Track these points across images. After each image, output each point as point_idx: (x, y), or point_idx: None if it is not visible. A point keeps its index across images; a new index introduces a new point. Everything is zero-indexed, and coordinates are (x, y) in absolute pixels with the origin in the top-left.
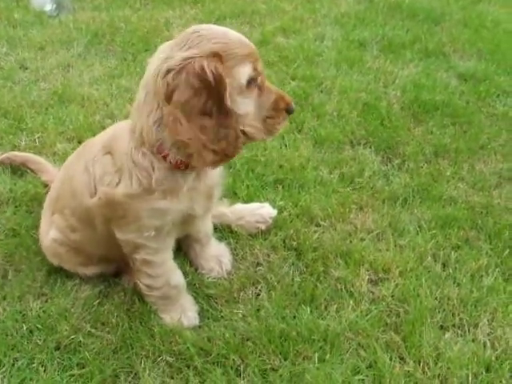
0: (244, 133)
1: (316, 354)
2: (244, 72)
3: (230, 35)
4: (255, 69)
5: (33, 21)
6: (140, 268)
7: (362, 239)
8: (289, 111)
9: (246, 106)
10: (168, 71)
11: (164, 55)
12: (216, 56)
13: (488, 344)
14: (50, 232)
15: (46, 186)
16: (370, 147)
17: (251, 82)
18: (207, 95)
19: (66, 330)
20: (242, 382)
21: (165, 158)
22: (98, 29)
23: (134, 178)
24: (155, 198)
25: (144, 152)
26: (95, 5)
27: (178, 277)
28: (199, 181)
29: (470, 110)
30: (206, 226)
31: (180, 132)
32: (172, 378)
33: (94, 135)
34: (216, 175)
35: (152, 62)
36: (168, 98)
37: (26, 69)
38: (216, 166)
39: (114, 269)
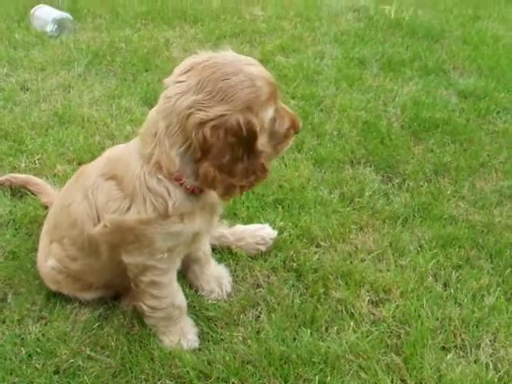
0: None
1: (317, 377)
2: (267, 115)
3: (256, 79)
4: (276, 109)
5: (34, 41)
6: (145, 289)
7: (363, 260)
8: (296, 133)
9: (262, 140)
10: (203, 123)
11: (193, 97)
12: (248, 109)
13: (490, 365)
14: (48, 260)
15: (46, 207)
16: (370, 166)
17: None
18: (240, 146)
19: (66, 353)
20: None
21: (181, 184)
22: (99, 49)
23: (149, 204)
24: (171, 221)
25: (159, 178)
26: (96, 25)
27: (181, 297)
28: (204, 199)
29: (470, 128)
30: (205, 245)
31: (215, 185)
32: None
33: (94, 157)
34: None
35: (171, 95)
36: (205, 151)
37: (27, 90)
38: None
39: (114, 292)
